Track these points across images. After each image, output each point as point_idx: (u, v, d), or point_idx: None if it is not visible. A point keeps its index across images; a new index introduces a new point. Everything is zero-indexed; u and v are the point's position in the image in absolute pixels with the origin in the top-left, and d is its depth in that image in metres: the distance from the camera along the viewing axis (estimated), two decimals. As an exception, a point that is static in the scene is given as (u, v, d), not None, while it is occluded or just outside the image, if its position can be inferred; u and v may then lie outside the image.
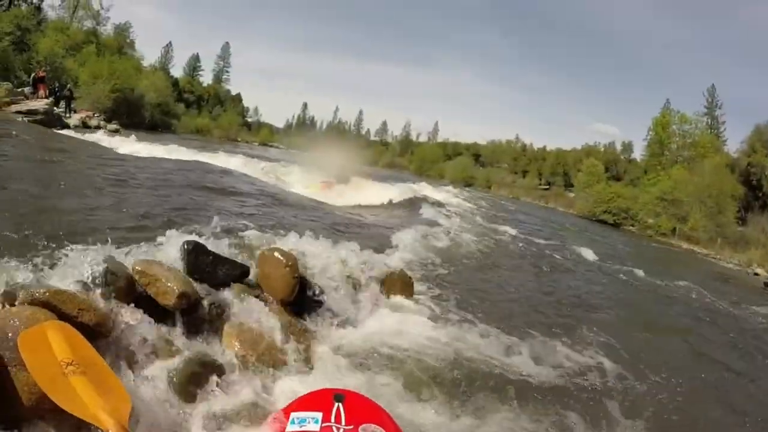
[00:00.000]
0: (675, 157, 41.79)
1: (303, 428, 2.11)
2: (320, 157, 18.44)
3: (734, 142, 44.65)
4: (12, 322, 2.09)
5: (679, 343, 6.43)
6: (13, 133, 10.47)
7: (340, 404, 2.23)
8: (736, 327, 8.23)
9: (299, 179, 14.64)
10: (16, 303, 2.31)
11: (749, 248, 23.84)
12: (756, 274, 19.87)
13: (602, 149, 57.72)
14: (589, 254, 12.88)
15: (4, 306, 2.30)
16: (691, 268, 12.95)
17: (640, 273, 11.55)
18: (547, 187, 53.45)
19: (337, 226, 7.17)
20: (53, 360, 1.97)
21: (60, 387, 1.89)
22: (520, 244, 12.04)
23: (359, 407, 2.27)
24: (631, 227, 32.50)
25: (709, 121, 44.70)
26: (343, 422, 2.14)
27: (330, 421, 2.14)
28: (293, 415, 2.20)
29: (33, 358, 1.94)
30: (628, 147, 56.28)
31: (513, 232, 13.60)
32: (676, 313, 8.34)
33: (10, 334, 2.03)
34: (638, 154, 51.26)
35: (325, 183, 14.37)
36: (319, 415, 2.16)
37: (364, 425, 2.12)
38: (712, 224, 28.09)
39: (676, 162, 40.43)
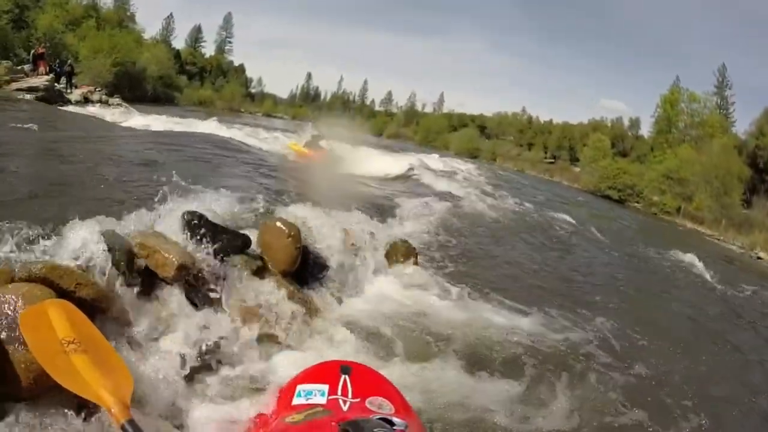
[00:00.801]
0: (682, 136, 41.06)
1: (309, 401, 2.09)
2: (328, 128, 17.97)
3: (743, 123, 43.63)
4: (9, 298, 2.04)
5: (681, 322, 6.44)
6: (14, 110, 10.40)
7: (347, 376, 2.20)
8: (742, 311, 8.21)
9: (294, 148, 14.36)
10: (14, 279, 2.25)
11: (753, 231, 23.57)
12: (759, 257, 19.79)
13: (609, 124, 56.59)
14: (592, 229, 12.83)
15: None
16: (694, 248, 12.85)
17: (644, 250, 11.53)
18: (553, 160, 52.94)
19: (341, 195, 7.08)
20: (54, 338, 1.93)
21: (62, 366, 1.86)
22: (524, 217, 11.97)
23: (366, 379, 2.25)
24: (636, 204, 32.21)
25: (719, 101, 43.54)
26: (350, 395, 2.11)
27: (336, 394, 2.11)
28: (299, 387, 2.18)
29: (34, 336, 1.90)
30: (635, 123, 55.20)
31: (517, 204, 13.52)
32: (679, 292, 8.32)
33: (7, 312, 2.00)
34: (645, 130, 50.39)
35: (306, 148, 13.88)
36: (325, 388, 2.14)
37: (370, 398, 2.09)
38: (717, 205, 27.74)
39: (684, 140, 39.72)
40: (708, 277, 10.29)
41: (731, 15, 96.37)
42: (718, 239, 23.63)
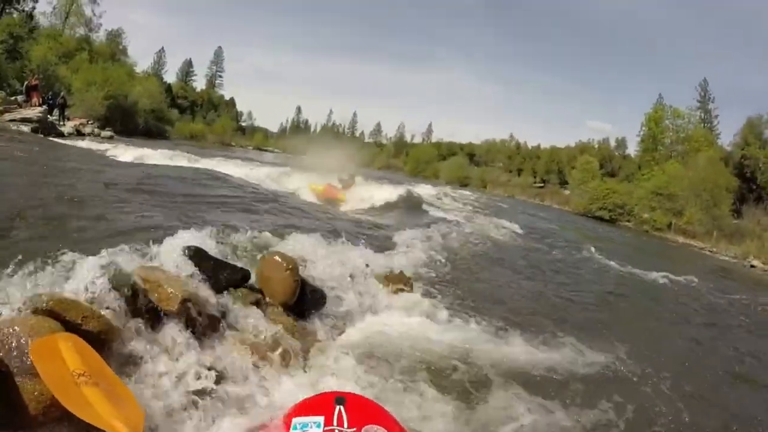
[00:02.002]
0: (669, 152, 41.86)
1: None
2: (318, 161, 18.29)
3: (728, 133, 44.36)
4: (17, 331, 2.07)
5: (683, 339, 6.44)
6: (8, 141, 10.44)
7: (342, 407, 2.22)
8: (740, 320, 8.26)
9: (299, 183, 14.53)
10: (21, 312, 2.30)
11: (745, 241, 23.79)
12: (752, 266, 19.98)
13: (596, 146, 57.72)
14: (585, 250, 12.88)
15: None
16: (688, 262, 12.94)
17: (638, 268, 11.54)
18: (542, 185, 53.44)
19: (337, 227, 7.16)
20: (65, 370, 1.97)
21: (74, 396, 1.89)
22: (517, 242, 12.06)
23: (361, 409, 2.27)
24: (627, 223, 32.50)
25: (702, 114, 44.41)
26: (346, 425, 2.13)
27: (332, 425, 2.13)
28: (295, 420, 2.20)
29: (46, 367, 1.93)
30: (621, 143, 56.18)
31: (509, 229, 13.60)
32: (675, 308, 8.34)
33: (15, 344, 2.02)
34: (632, 150, 51.22)
35: (330, 186, 14.20)
36: (320, 419, 2.16)
37: (366, 427, 2.12)
38: (708, 217, 28.02)
39: (670, 156, 40.47)
40: (704, 289, 10.34)
41: (711, 24, 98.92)
42: (711, 251, 23.78)
